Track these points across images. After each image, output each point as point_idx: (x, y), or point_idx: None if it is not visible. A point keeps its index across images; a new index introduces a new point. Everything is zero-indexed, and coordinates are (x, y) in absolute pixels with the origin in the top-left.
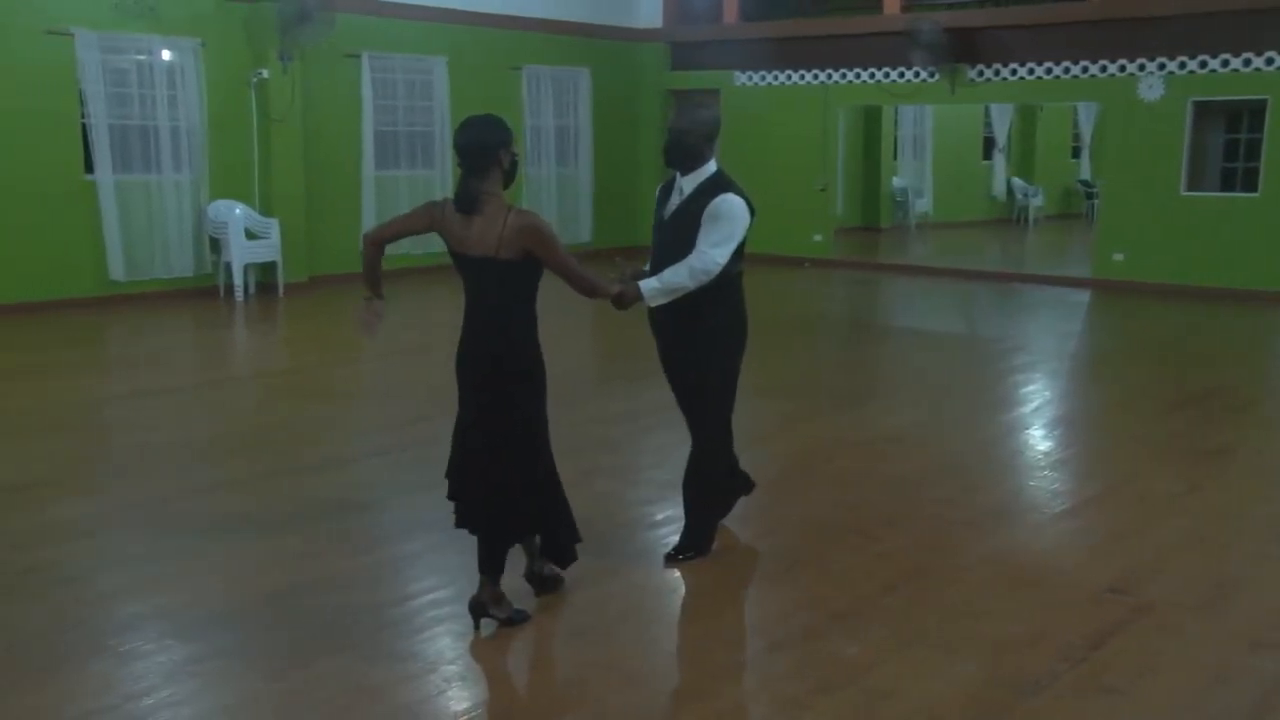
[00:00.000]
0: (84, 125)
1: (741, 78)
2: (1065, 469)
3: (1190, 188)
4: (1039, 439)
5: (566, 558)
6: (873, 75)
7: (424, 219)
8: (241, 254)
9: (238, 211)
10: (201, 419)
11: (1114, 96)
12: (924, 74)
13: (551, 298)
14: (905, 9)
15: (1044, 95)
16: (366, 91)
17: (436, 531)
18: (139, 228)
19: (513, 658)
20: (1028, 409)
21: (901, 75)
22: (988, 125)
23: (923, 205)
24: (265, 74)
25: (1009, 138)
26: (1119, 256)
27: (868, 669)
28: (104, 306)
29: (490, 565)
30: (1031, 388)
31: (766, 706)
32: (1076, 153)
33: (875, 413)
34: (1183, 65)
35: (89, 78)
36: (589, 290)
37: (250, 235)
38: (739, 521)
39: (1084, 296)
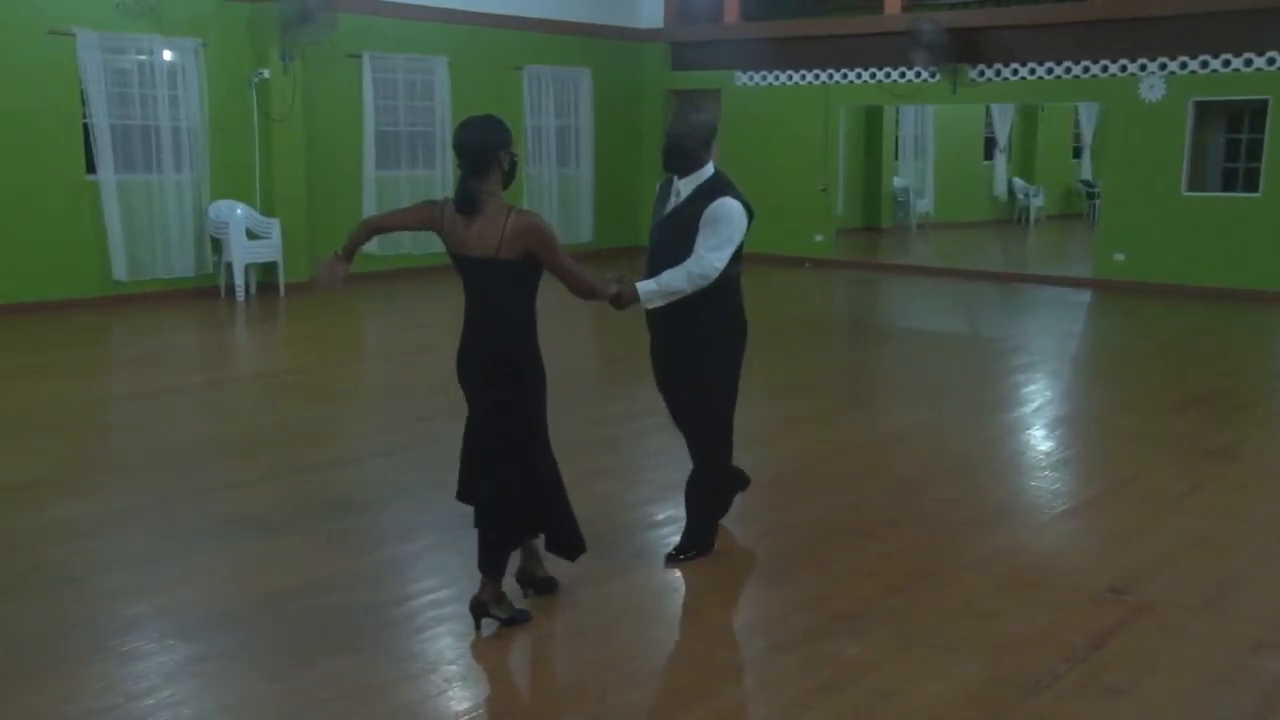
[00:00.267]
0: (85, 125)
1: (742, 78)
2: (1067, 469)
3: (1191, 188)
4: (1040, 439)
5: (575, 551)
6: (874, 75)
7: (421, 217)
8: (242, 254)
9: (239, 211)
10: (202, 419)
11: (1115, 96)
12: (925, 74)
13: (552, 298)
14: (906, 9)
15: (1045, 95)
16: (367, 92)
17: (437, 531)
18: (140, 228)
19: (513, 658)
20: (1029, 409)
21: (903, 75)
22: (989, 125)
23: (924, 205)
24: (266, 74)
25: (1010, 138)
26: (1120, 256)
27: (869, 669)
28: (106, 306)
29: (491, 566)
30: (1033, 388)
31: (767, 707)
32: (1077, 153)
33: (876, 413)
34: (1184, 65)
35: (90, 78)
36: (587, 292)
37: (251, 235)
38: (740, 521)
39: (1085, 297)
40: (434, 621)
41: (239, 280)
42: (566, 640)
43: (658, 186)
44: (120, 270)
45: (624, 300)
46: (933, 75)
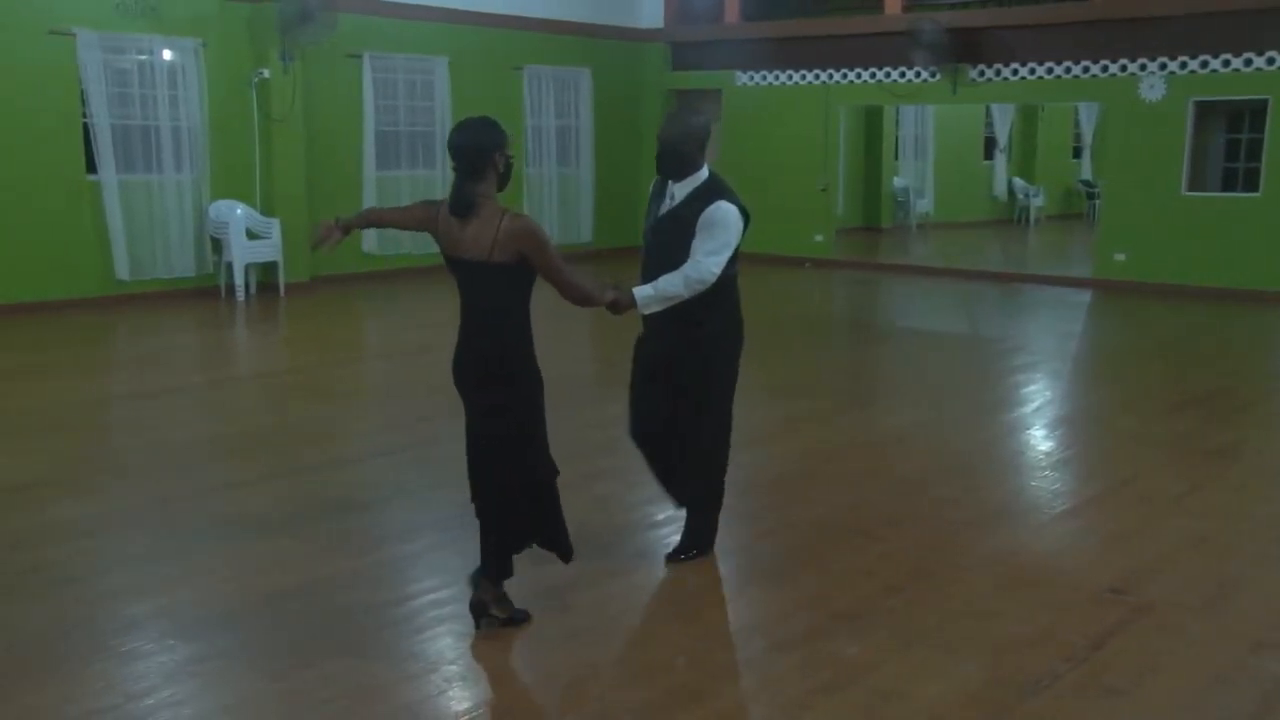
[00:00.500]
0: (85, 125)
1: (743, 78)
2: (1067, 469)
3: (1191, 188)
4: (1040, 439)
5: (568, 554)
6: (874, 75)
7: (417, 216)
8: (243, 254)
9: (239, 211)
10: (203, 419)
11: (1115, 96)
12: (925, 74)
13: (548, 301)
14: (906, 9)
15: (1045, 95)
16: (368, 91)
17: (437, 531)
18: (140, 228)
19: (513, 658)
20: (1029, 409)
21: (903, 75)
22: (989, 125)
23: (924, 205)
24: (266, 74)
25: (1010, 138)
26: (1120, 256)
27: (869, 669)
28: (107, 306)
29: (495, 570)
30: (1033, 388)
31: (767, 706)
32: (1078, 153)
33: (877, 413)
34: (1184, 65)
35: (91, 78)
36: (581, 299)
37: (251, 235)
38: (740, 521)
39: (1085, 297)
40: (434, 621)
41: (239, 280)
42: (566, 640)
43: (651, 187)
44: (123, 270)
45: (620, 307)
46: (933, 75)
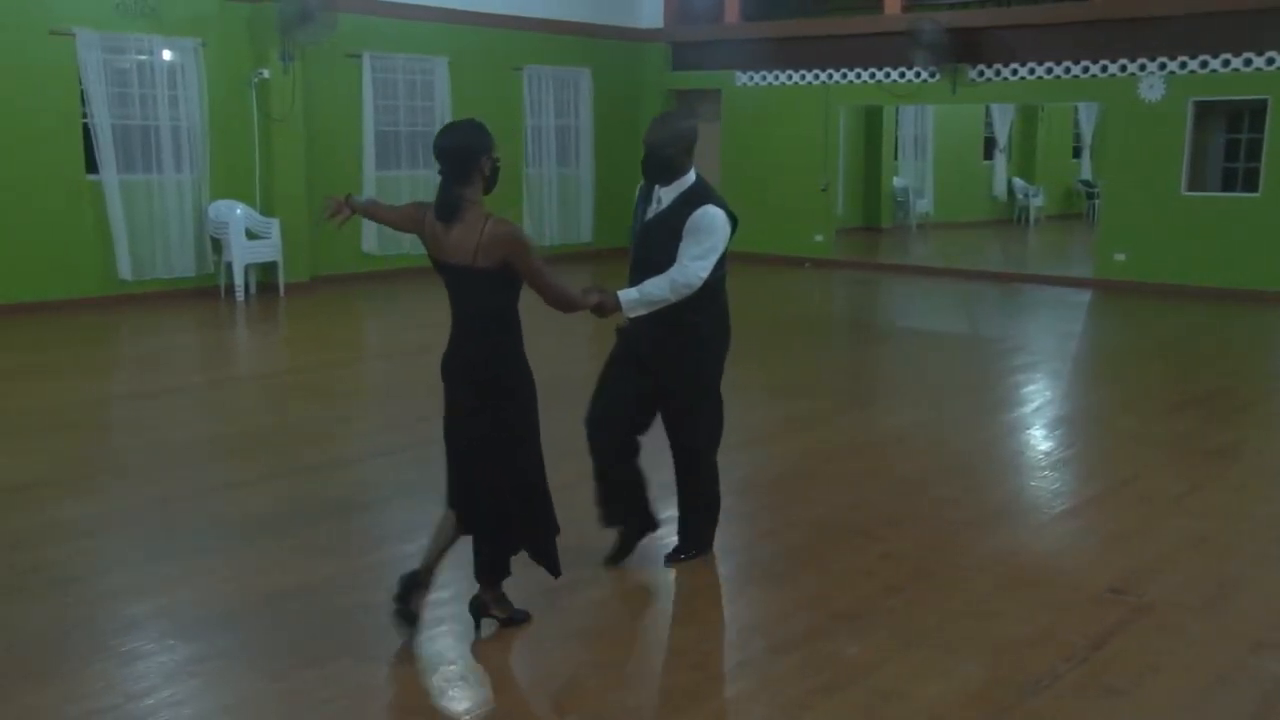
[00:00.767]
0: (85, 125)
1: (742, 78)
2: (1067, 469)
3: (1191, 188)
4: (1040, 439)
5: (554, 565)
6: (874, 75)
7: (407, 217)
8: (242, 254)
9: (239, 211)
10: (203, 419)
11: (1115, 96)
12: (925, 74)
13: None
14: (906, 9)
15: (1045, 95)
16: (367, 91)
17: None
18: (141, 228)
19: (513, 658)
20: (1029, 409)
21: (902, 75)
22: (989, 125)
23: (924, 205)
24: (266, 74)
25: (1010, 138)
26: (1120, 256)
27: (870, 669)
28: (108, 306)
29: (488, 572)
30: (1033, 388)
31: (767, 707)
32: (1077, 153)
33: (877, 413)
34: (1183, 65)
35: (91, 78)
36: (565, 303)
37: (251, 235)
38: (740, 521)
39: (1085, 297)
40: (434, 622)
41: (239, 280)
42: (566, 640)
43: (637, 192)
44: (125, 269)
45: (605, 309)
46: (933, 75)
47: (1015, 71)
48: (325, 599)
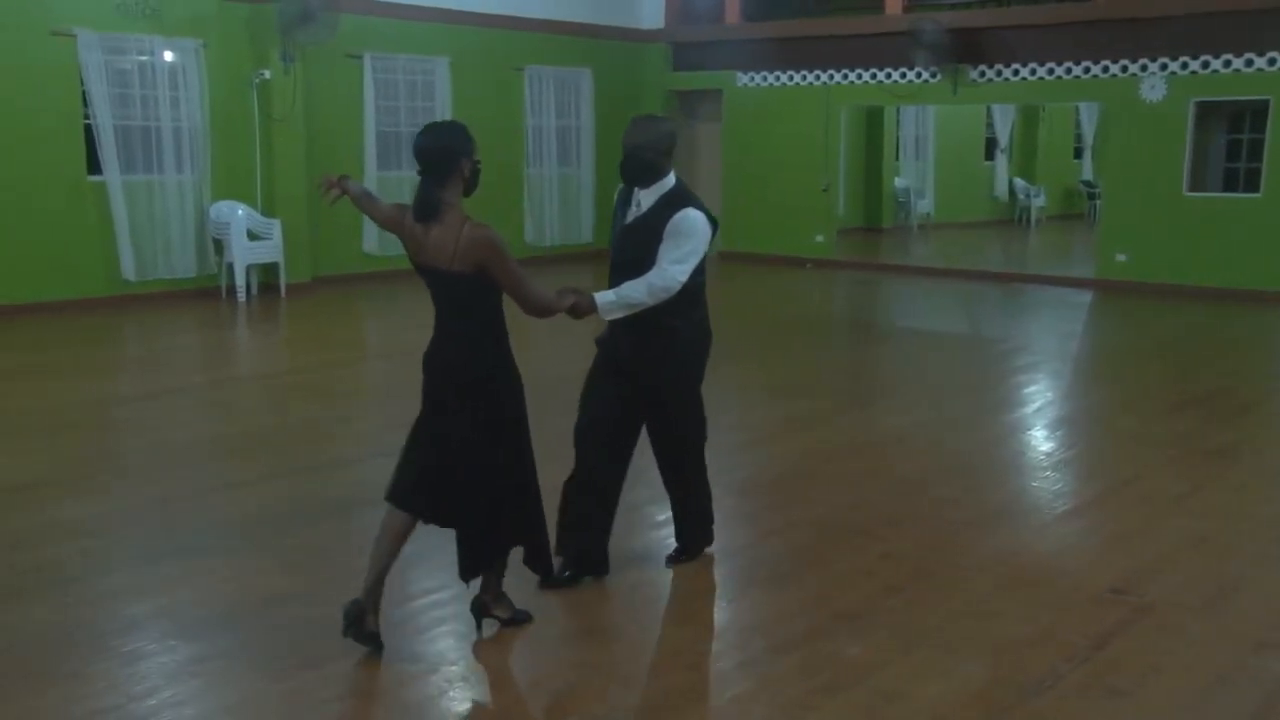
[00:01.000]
0: (86, 126)
1: (743, 78)
2: (1068, 469)
3: (1193, 188)
4: (1041, 439)
5: (546, 569)
6: (875, 76)
7: (389, 216)
8: (244, 254)
9: (240, 212)
10: (204, 420)
11: (1116, 97)
12: (926, 74)
13: None
14: (907, 9)
15: (1046, 96)
16: (368, 92)
17: (438, 532)
18: (143, 228)
19: (514, 658)
20: (1030, 409)
21: (904, 76)
22: (990, 126)
23: (925, 206)
24: (267, 74)
25: (1011, 138)
26: (1121, 257)
27: (871, 670)
28: (110, 307)
29: (469, 572)
30: (1034, 388)
31: (768, 707)
32: (1079, 153)
33: (877, 413)
34: (1185, 65)
35: (92, 79)
36: (540, 309)
37: (252, 236)
38: (741, 522)
39: (1086, 297)
40: (435, 622)
41: (240, 281)
42: (567, 641)
43: (616, 195)
44: (128, 270)
45: (580, 311)
46: (934, 75)
47: (1016, 72)
48: (326, 599)
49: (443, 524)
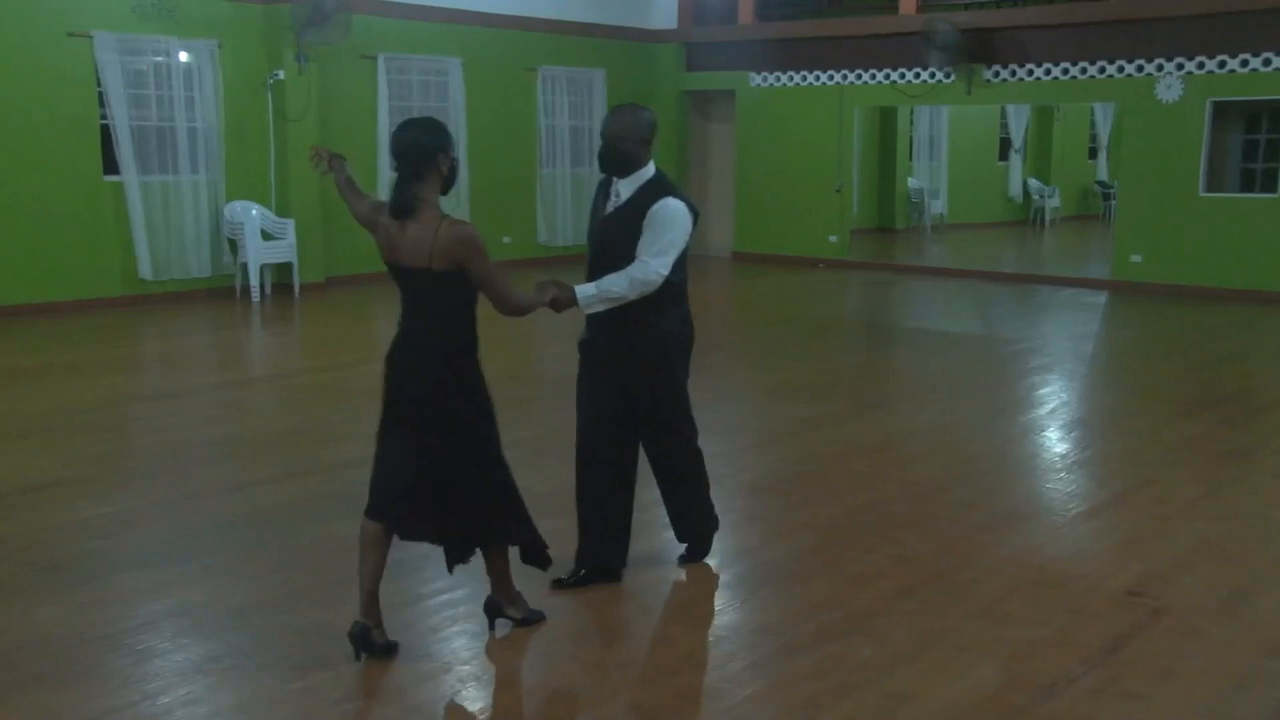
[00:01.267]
0: (102, 127)
1: (757, 78)
2: (1083, 471)
3: (1209, 189)
4: (1056, 441)
5: (543, 560)
6: (888, 76)
7: (365, 212)
8: (258, 254)
9: (254, 212)
10: (219, 419)
11: (1131, 97)
12: (940, 74)
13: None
14: (921, 9)
15: (1061, 96)
16: (382, 93)
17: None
18: (159, 228)
19: (527, 658)
20: (1044, 411)
21: (917, 76)
22: (1004, 126)
23: (938, 206)
24: (281, 75)
25: (1025, 138)
26: (1137, 258)
27: (883, 671)
28: (125, 307)
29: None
30: (1048, 389)
31: (780, 708)
32: (1093, 153)
33: (891, 414)
34: (1201, 65)
35: (109, 79)
36: (518, 308)
37: (266, 236)
38: (754, 523)
39: (1101, 298)
40: (448, 621)
41: (254, 281)
42: (580, 640)
43: (596, 185)
44: (145, 270)
45: (560, 305)
46: (948, 76)
47: (1031, 72)
48: (340, 599)
49: (421, 539)
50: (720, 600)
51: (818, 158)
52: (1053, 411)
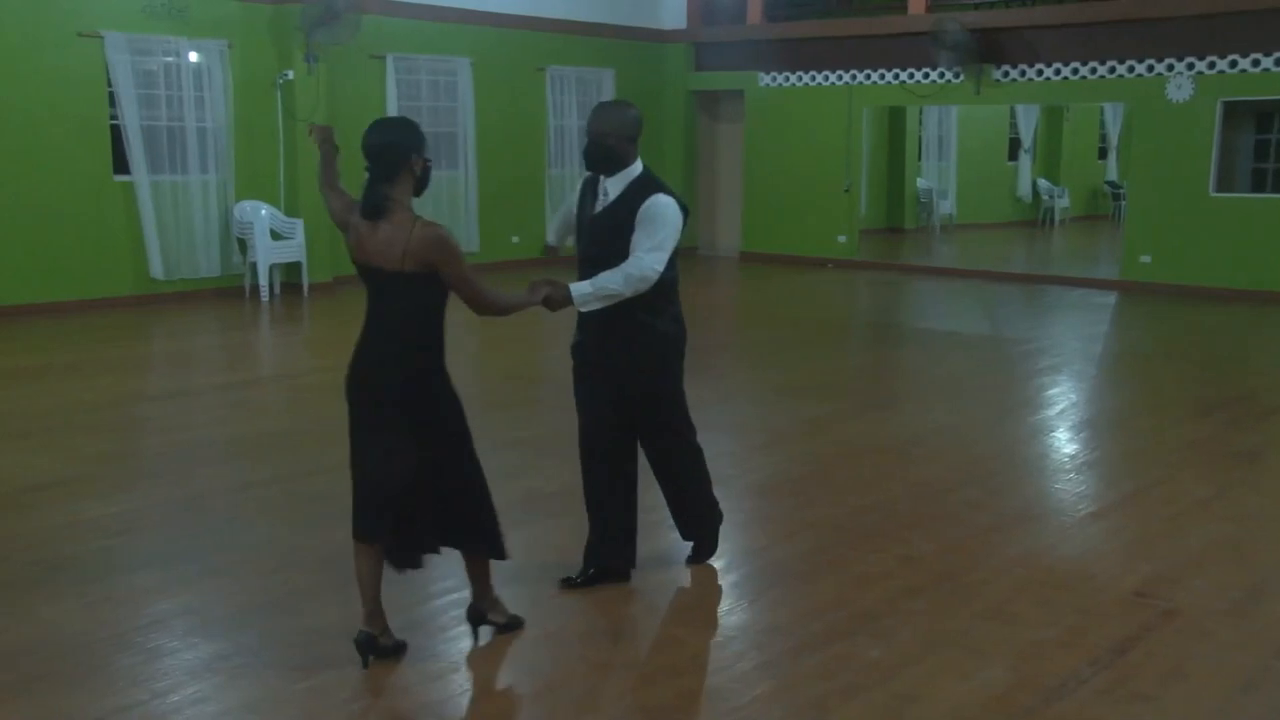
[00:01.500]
0: (112, 127)
1: (765, 78)
2: (1092, 472)
3: (1219, 189)
4: (1065, 441)
5: (503, 551)
6: (897, 76)
7: (340, 209)
8: (267, 254)
9: (263, 212)
10: (227, 419)
11: (1141, 97)
12: (949, 74)
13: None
14: (930, 9)
15: (1070, 96)
16: (391, 92)
17: None
18: (169, 228)
19: (534, 659)
20: (1054, 411)
21: (926, 76)
22: (1013, 126)
23: (947, 207)
24: (291, 75)
25: (1034, 138)
26: (1146, 258)
27: (891, 672)
28: (140, 306)
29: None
30: (1057, 390)
31: (788, 708)
32: (1103, 153)
33: (900, 414)
34: (1212, 65)
35: (120, 80)
36: (500, 308)
37: (275, 236)
38: (761, 523)
39: (1111, 298)
40: (456, 621)
41: (263, 280)
42: (587, 641)
43: (581, 185)
44: (157, 269)
45: (554, 303)
46: (956, 76)
47: (1040, 72)
48: (347, 598)
49: (414, 565)
50: (728, 601)
51: (826, 158)
52: (1061, 412)
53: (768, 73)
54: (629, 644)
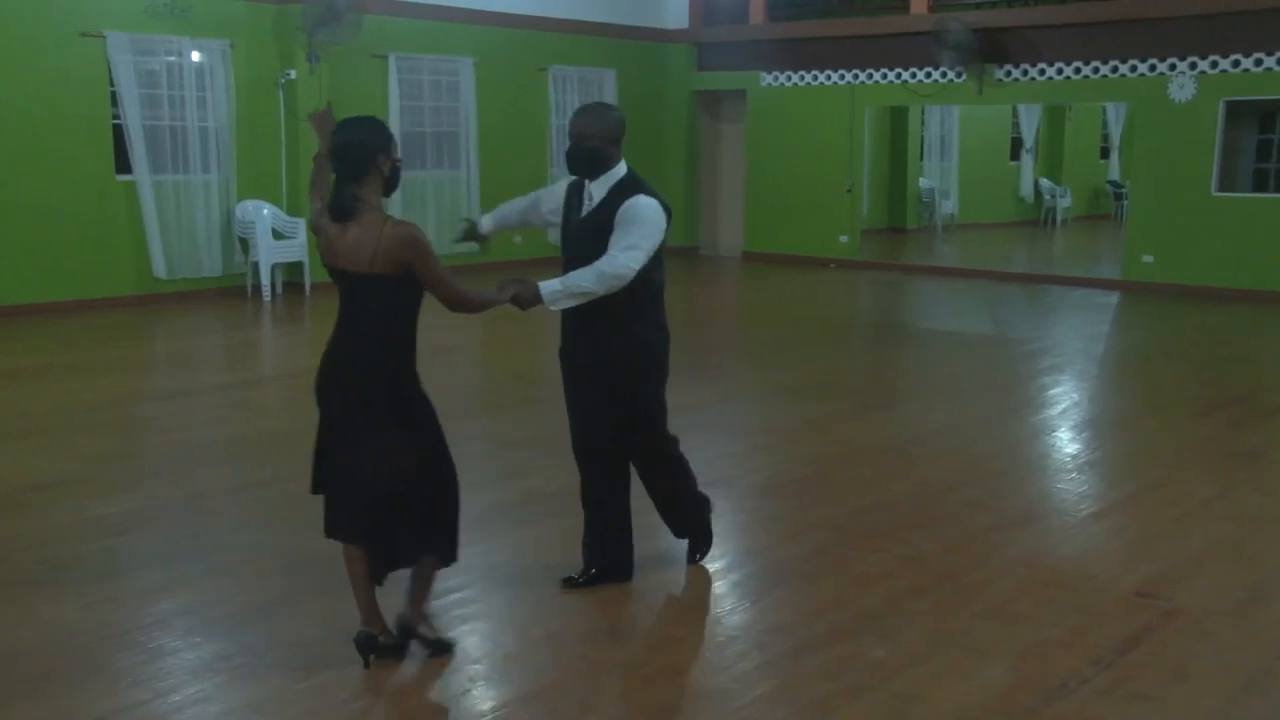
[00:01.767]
0: (115, 126)
1: (768, 78)
2: (1094, 472)
3: (1222, 189)
4: (1067, 441)
5: (454, 557)
6: (899, 75)
7: (318, 213)
8: (269, 254)
9: (265, 212)
10: (230, 418)
11: (1144, 97)
12: (951, 74)
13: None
14: (932, 9)
15: (1072, 95)
16: (393, 92)
17: (462, 531)
18: (171, 227)
19: (537, 657)
20: (1055, 411)
21: (928, 75)
22: (1015, 126)
23: (949, 206)
24: (293, 75)
25: (1037, 138)
26: (1148, 258)
27: (894, 672)
28: (142, 305)
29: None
30: (1059, 390)
31: (791, 708)
32: (1105, 153)
33: (902, 415)
34: (1214, 64)
35: (121, 79)
36: (472, 306)
37: (277, 235)
38: (764, 523)
39: (1113, 298)
40: (457, 621)
41: (265, 280)
42: (588, 641)
43: (566, 188)
44: (159, 269)
45: (523, 301)
46: (959, 75)
47: (1042, 71)
48: (349, 597)
49: (397, 566)
50: (730, 601)
51: (828, 157)
52: (1063, 412)
53: (770, 72)
54: (631, 644)
